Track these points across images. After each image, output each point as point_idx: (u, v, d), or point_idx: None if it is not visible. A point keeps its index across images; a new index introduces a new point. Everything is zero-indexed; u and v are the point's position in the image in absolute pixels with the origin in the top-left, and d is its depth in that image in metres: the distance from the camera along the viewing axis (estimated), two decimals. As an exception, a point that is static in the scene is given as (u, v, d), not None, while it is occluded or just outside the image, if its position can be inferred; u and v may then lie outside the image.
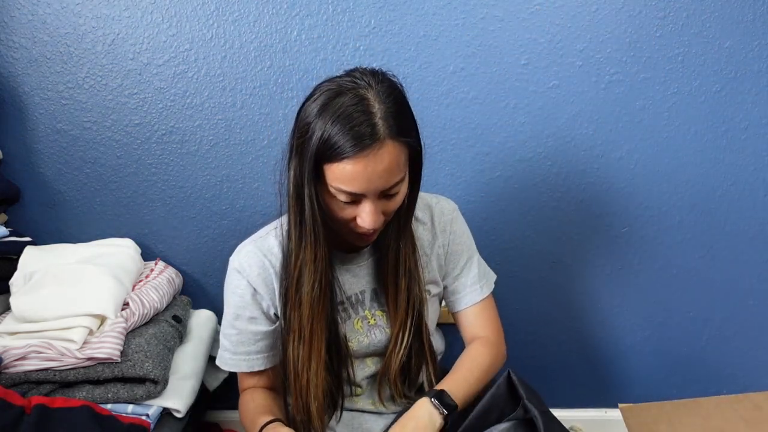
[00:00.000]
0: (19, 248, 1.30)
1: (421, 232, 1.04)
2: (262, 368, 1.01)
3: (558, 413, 1.54)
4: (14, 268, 1.27)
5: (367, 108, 0.81)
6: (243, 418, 1.01)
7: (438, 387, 0.96)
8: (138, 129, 1.37)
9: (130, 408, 1.10)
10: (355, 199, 0.85)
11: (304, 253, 0.90)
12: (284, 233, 0.94)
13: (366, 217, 0.85)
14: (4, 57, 1.33)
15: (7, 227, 1.34)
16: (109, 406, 1.09)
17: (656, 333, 1.51)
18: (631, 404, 1.14)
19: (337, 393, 1.00)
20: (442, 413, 0.91)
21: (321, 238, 0.89)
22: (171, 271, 1.39)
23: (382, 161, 0.81)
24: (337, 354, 0.98)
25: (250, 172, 1.39)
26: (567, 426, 1.55)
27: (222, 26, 1.31)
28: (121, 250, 1.35)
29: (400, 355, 0.99)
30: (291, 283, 0.93)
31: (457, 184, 1.40)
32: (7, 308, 1.25)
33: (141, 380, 1.11)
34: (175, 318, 1.29)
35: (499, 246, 1.45)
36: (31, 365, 1.08)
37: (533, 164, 1.39)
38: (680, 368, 1.54)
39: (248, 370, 1.01)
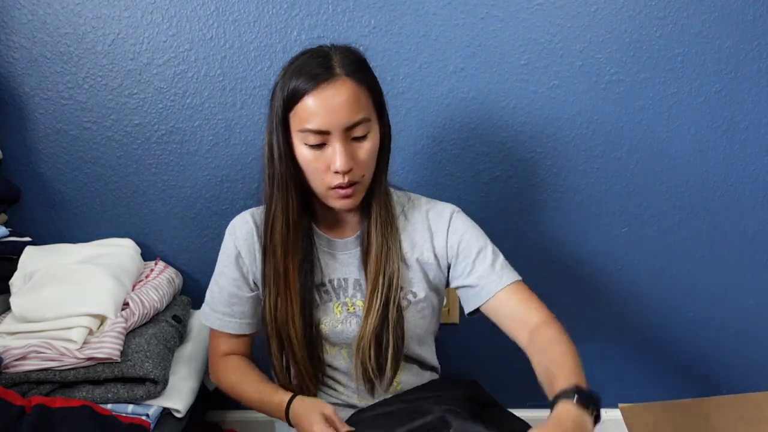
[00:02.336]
0: (19, 248, 1.30)
1: (410, 231, 1.04)
2: (232, 332, 1.06)
3: (558, 413, 1.55)
4: (14, 268, 1.27)
5: (325, 56, 0.91)
6: (229, 378, 1.06)
7: (562, 386, 0.81)
8: (138, 129, 1.37)
9: (130, 408, 1.10)
10: (323, 140, 0.90)
11: (276, 201, 0.96)
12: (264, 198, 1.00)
13: (336, 158, 0.89)
14: (4, 57, 1.33)
15: (7, 227, 1.33)
16: (109, 406, 1.09)
17: (656, 333, 1.51)
18: (631, 404, 1.13)
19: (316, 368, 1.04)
20: (591, 411, 0.78)
21: (291, 185, 0.95)
22: (171, 271, 1.39)
23: (340, 94, 0.88)
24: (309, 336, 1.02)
25: (250, 172, 1.39)
26: (567, 426, 1.56)
27: (222, 26, 1.31)
28: (121, 250, 1.35)
29: (372, 325, 0.99)
30: (267, 237, 0.98)
31: (457, 184, 1.40)
32: (7, 308, 1.24)
33: (141, 380, 1.11)
34: (175, 318, 1.29)
35: (499, 246, 1.43)
36: (31, 365, 1.08)
37: (533, 164, 1.39)
38: (680, 368, 1.54)
39: (219, 329, 1.06)
